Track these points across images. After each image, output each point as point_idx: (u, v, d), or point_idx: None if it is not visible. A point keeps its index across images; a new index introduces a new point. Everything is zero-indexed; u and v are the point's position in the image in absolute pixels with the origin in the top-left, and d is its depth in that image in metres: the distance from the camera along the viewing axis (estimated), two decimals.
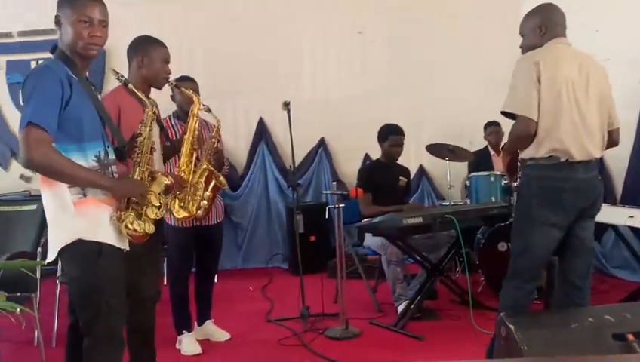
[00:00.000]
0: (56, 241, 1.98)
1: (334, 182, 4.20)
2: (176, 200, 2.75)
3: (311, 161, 5.66)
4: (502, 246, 3.97)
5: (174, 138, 3.17)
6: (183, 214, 2.76)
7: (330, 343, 3.32)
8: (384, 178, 4.05)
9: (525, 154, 2.39)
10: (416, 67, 5.48)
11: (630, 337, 2.03)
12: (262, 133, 5.70)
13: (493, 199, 4.13)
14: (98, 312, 1.97)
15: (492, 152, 4.96)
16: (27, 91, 1.91)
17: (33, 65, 5.87)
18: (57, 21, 2.03)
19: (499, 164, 4.88)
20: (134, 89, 2.41)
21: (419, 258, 3.63)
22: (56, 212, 1.98)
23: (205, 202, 2.91)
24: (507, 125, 2.64)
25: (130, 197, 2.09)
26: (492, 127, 4.93)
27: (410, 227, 3.33)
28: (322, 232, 5.23)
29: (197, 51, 5.74)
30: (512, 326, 2.06)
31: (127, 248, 2.09)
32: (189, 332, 3.36)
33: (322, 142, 5.66)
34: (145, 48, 2.78)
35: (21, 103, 2.01)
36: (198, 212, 3.03)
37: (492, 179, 4.17)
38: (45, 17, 5.84)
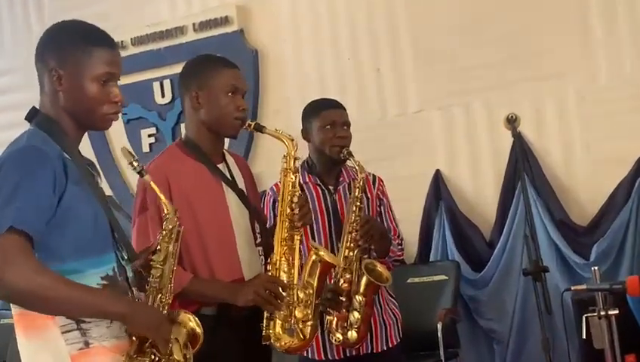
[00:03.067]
0: None
1: (595, 268, 3.97)
2: (277, 322, 2.95)
3: (620, 205, 5.40)
4: None
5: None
6: (288, 342, 2.98)
7: None
8: None
9: None
10: None
11: None
12: (522, 157, 5.56)
13: None
14: None
15: None
16: (5, 181, 2.16)
17: (157, 88, 6.82)
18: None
19: None
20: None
21: None
22: None
23: (357, 315, 3.37)
24: None
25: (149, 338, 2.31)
26: None
27: None
28: None
29: (396, 35, 6.15)
30: None
31: None
32: None
33: None
34: (199, 77, 3.08)
35: None
36: (349, 333, 3.51)
37: None
38: (169, 14, 6.87)
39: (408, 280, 5.76)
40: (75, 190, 2.24)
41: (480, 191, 5.87)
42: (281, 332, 2.97)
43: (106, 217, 2.36)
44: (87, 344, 2.23)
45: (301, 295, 3.03)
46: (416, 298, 5.63)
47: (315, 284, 3.09)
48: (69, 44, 2.37)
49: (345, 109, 3.84)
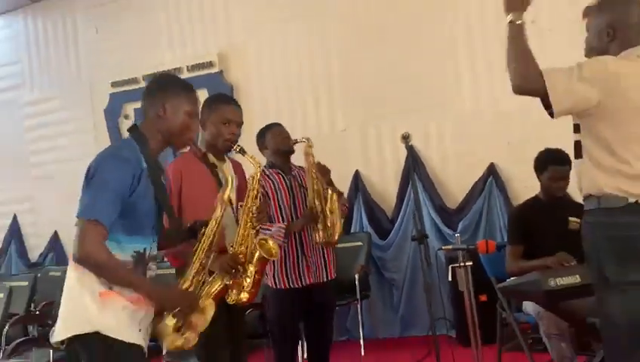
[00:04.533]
0: (70, 325, 2.31)
1: (457, 235, 4.20)
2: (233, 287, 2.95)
3: (478, 195, 5.67)
4: None
5: (273, 190, 3.65)
6: (239, 298, 2.97)
7: None
8: (545, 221, 3.90)
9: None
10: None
11: None
12: (413, 163, 5.66)
13: None
14: None
15: None
16: (100, 177, 2.30)
17: None
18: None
19: None
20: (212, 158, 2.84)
21: (586, 331, 3.43)
22: (80, 296, 2.31)
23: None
24: None
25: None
26: None
27: (562, 290, 3.16)
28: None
29: (329, 76, 6.29)
30: None
31: (144, 346, 2.41)
32: None
33: (492, 169, 5.64)
34: (209, 108, 3.16)
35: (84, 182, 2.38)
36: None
37: None
38: (170, 58, 6.88)
39: (337, 246, 5.76)
40: (141, 191, 2.33)
41: (385, 185, 6.07)
42: (235, 293, 2.96)
43: (156, 214, 2.44)
44: (110, 287, 2.30)
45: (250, 268, 3.00)
46: (341, 258, 5.38)
47: (259, 267, 3.02)
48: (175, 89, 2.48)
49: (280, 125, 3.93)
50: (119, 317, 2.32)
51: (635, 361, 2.39)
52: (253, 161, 3.09)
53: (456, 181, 5.85)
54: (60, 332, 2.34)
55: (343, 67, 6.25)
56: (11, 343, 4.49)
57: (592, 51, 2.54)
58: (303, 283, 3.66)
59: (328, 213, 3.68)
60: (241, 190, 3.19)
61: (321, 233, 3.67)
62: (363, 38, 6.15)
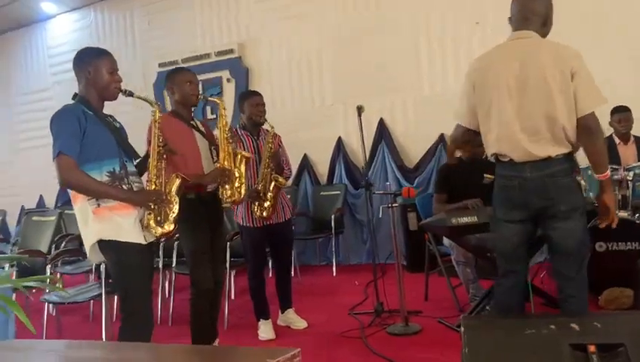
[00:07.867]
0: (86, 242, 2.41)
1: (387, 183, 4.26)
2: (226, 189, 3.05)
3: (430, 158, 5.66)
4: (600, 247, 3.64)
5: (243, 148, 3.55)
6: (233, 198, 3.04)
7: (388, 338, 3.44)
8: (466, 176, 3.78)
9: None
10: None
11: (591, 349, 1.91)
12: (382, 132, 5.88)
13: (591, 194, 3.78)
14: (124, 294, 2.38)
15: (617, 141, 4.45)
16: (54, 129, 2.31)
17: None
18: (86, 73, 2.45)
19: (626, 154, 4.39)
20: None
21: (485, 259, 3.50)
22: (81, 220, 2.39)
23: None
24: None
25: (150, 204, 2.46)
26: (620, 114, 4.37)
27: (462, 227, 3.21)
28: None
29: (322, 63, 6.28)
30: (462, 328, 2.08)
31: (144, 241, 2.40)
32: (266, 319, 3.69)
33: (442, 139, 5.61)
34: (173, 78, 3.12)
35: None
36: (264, 213, 3.55)
37: (589, 172, 3.81)
38: (202, 45, 6.90)
39: (321, 193, 6.05)
40: (93, 128, 2.32)
41: (360, 148, 5.67)
42: (229, 194, 3.03)
43: (114, 140, 2.41)
44: (98, 205, 2.32)
45: (236, 172, 3.07)
46: (324, 202, 5.91)
47: (243, 171, 3.11)
48: (91, 57, 2.44)
49: (259, 94, 3.71)
50: (115, 224, 2.34)
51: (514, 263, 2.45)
52: (217, 99, 3.22)
53: (414, 147, 5.82)
54: (86, 250, 2.41)
55: (332, 57, 6.22)
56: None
57: None
58: (263, 223, 3.62)
59: (268, 195, 3.57)
60: (208, 134, 3.22)
61: (257, 208, 3.57)
62: (348, 35, 6.11)
